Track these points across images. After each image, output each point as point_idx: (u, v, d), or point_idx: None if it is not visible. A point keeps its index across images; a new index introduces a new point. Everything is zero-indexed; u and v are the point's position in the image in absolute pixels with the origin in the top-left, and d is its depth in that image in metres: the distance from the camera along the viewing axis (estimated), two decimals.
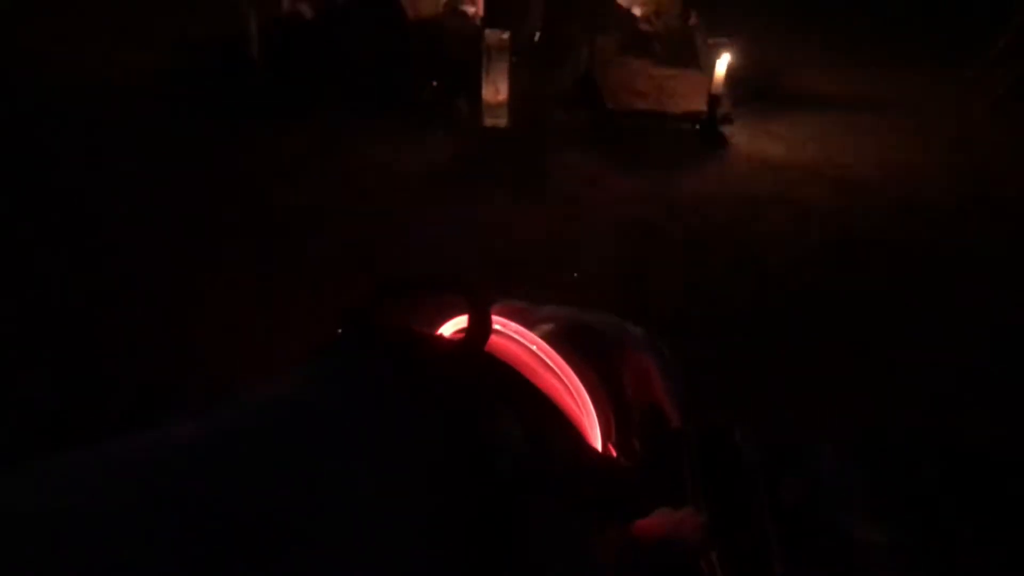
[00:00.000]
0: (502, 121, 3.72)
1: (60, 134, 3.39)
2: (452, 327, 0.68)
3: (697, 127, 3.79)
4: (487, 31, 3.71)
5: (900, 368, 2.11)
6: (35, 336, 2.10)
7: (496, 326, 0.63)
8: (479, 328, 0.59)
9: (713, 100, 3.69)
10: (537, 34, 4.27)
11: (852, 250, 2.80)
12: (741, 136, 3.78)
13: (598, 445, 0.65)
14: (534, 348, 0.65)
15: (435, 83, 3.92)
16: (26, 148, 3.31)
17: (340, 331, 0.69)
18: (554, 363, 0.65)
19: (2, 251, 2.55)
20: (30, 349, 2.04)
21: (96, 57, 4.44)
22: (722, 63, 3.64)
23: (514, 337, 0.64)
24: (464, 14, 4.51)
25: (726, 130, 3.79)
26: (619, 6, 4.50)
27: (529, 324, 0.70)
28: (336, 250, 2.63)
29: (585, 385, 0.66)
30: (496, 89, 3.68)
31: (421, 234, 2.78)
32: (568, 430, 0.61)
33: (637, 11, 4.68)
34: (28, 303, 2.26)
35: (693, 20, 4.66)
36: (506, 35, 3.68)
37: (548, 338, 0.69)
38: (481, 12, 4.51)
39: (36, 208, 2.82)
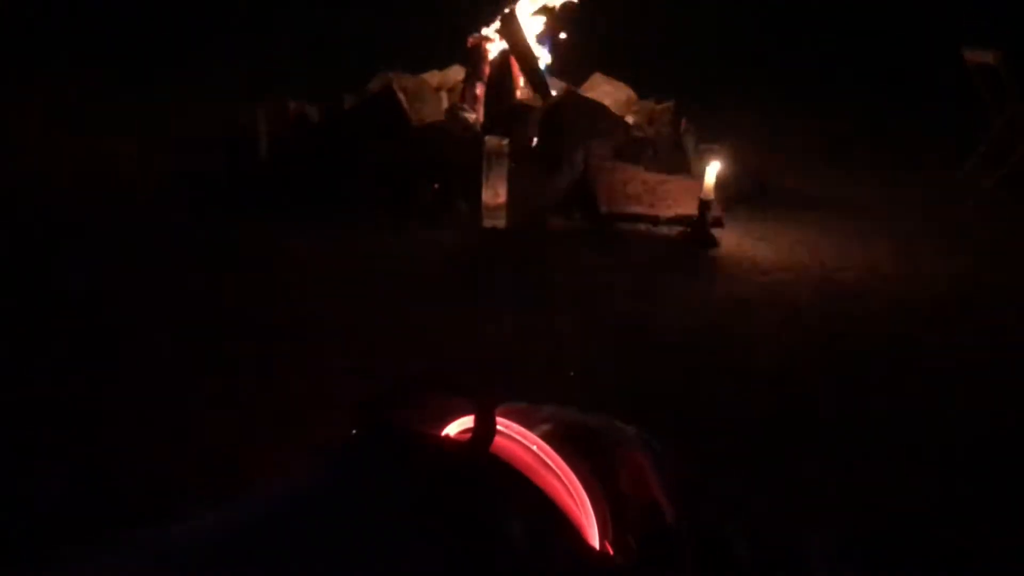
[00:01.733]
0: (501, 223, 3.83)
1: (69, 234, 3.48)
2: (458, 427, 0.73)
3: (689, 230, 3.90)
4: (487, 137, 3.87)
5: (886, 469, 2.14)
6: (44, 428, 2.12)
7: (499, 427, 0.68)
8: (484, 431, 0.64)
9: (704, 204, 3.82)
10: (534, 139, 4.44)
11: (839, 353, 2.86)
12: (732, 238, 3.90)
13: (595, 543, 0.69)
14: (535, 448, 0.70)
15: (436, 185, 4.05)
16: (29, 247, 3.40)
17: (354, 430, 0.74)
18: (554, 463, 0.70)
19: (9, 344, 2.60)
20: (38, 441, 2.06)
21: (107, 157, 4.59)
22: (712, 169, 3.78)
23: (516, 438, 0.69)
24: (465, 119, 4.70)
25: (717, 233, 3.90)
26: (612, 113, 4.69)
27: (530, 425, 0.75)
28: (339, 345, 2.67)
29: (583, 484, 0.70)
30: (495, 192, 3.81)
31: (424, 331, 2.83)
32: (567, 529, 0.65)
33: (630, 118, 4.88)
34: (33, 394, 2.29)
35: (684, 126, 4.86)
36: (505, 141, 3.84)
37: (548, 438, 0.74)
38: (481, 118, 4.70)
39: (40, 305, 2.88)
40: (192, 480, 1.85)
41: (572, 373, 2.58)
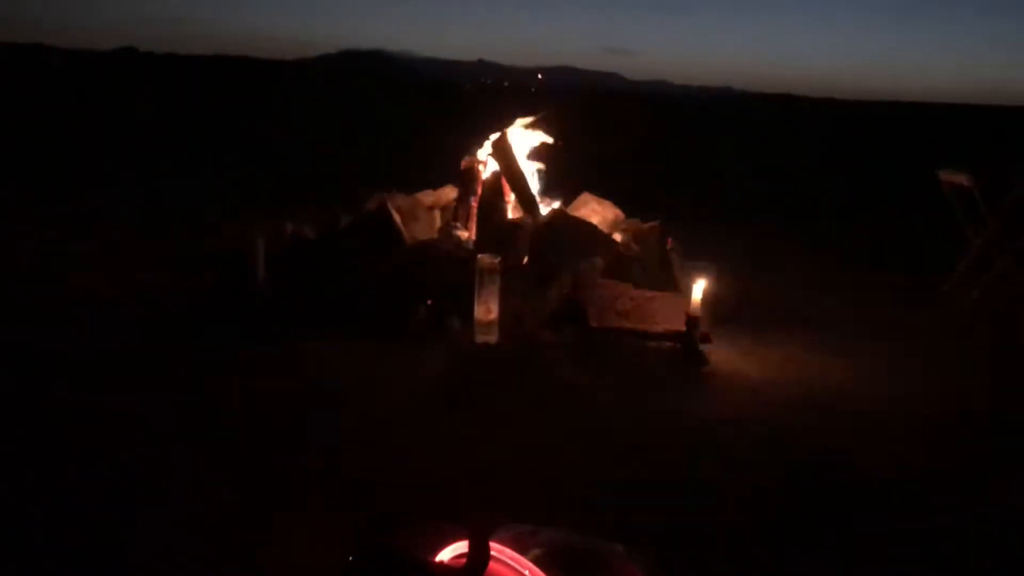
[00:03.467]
0: (493, 338, 3.89)
1: (66, 356, 3.52)
2: (453, 552, 0.77)
3: (678, 346, 3.96)
4: (480, 255, 3.97)
5: None
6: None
7: (493, 552, 0.72)
8: (478, 558, 0.68)
9: (691, 321, 3.89)
10: (526, 257, 4.55)
11: (823, 470, 2.87)
12: (720, 355, 3.96)
13: None
14: (527, 574, 0.73)
15: (430, 302, 4.13)
16: (27, 370, 3.43)
17: (351, 556, 0.78)
18: None
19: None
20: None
21: (108, 278, 4.67)
22: (699, 287, 3.88)
23: (509, 563, 0.73)
24: (458, 238, 4.84)
25: (705, 349, 3.96)
26: (601, 232, 4.83)
27: (523, 549, 0.79)
28: (332, 465, 2.68)
29: None
30: (488, 309, 3.88)
31: (418, 450, 2.84)
32: None
33: (618, 236, 5.02)
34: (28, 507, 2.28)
35: (670, 245, 4.99)
36: (497, 259, 3.94)
37: (540, 562, 0.78)
38: (473, 236, 4.83)
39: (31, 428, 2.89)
40: None
41: (567, 491, 2.59)
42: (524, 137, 5.15)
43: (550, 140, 5.22)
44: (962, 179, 5.08)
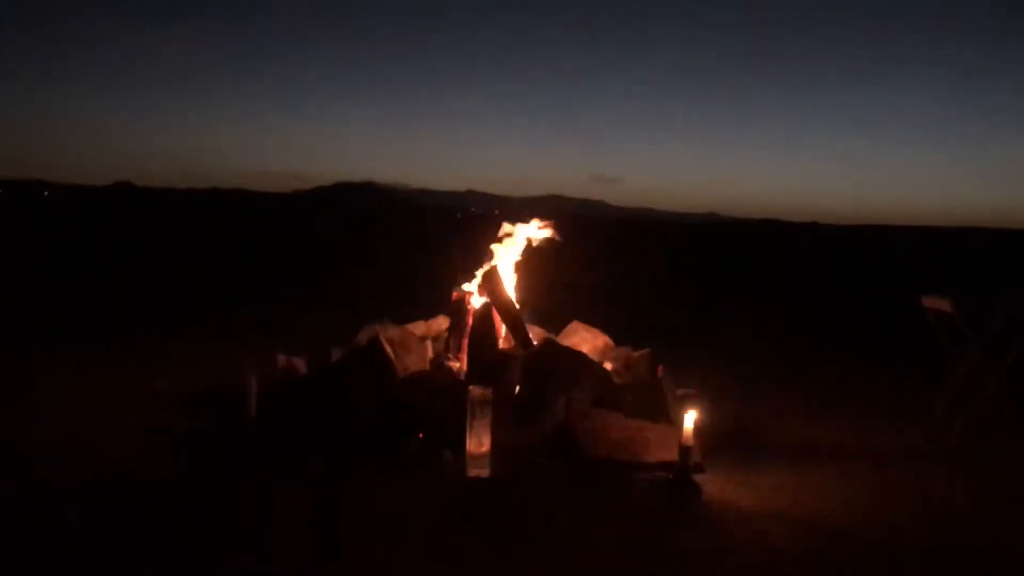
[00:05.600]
0: (485, 471, 3.86)
1: (57, 507, 3.46)
2: None
3: (671, 476, 3.93)
4: (471, 387, 3.98)
5: None
6: None
7: None
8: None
9: (684, 451, 3.88)
10: (516, 387, 4.57)
11: None
12: (714, 485, 3.92)
13: None
14: None
15: (421, 435, 4.11)
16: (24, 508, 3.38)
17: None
18: None
19: None
20: None
21: (97, 419, 4.64)
22: (690, 417, 3.89)
23: None
24: (449, 369, 4.86)
25: (699, 478, 3.93)
26: (591, 361, 4.87)
27: None
28: None
29: None
30: (479, 441, 3.87)
31: None
32: None
33: (608, 365, 5.06)
34: None
35: (661, 373, 5.02)
36: (489, 391, 3.95)
37: None
38: (465, 367, 4.86)
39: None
40: None
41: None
42: (521, 236, 5.29)
43: (548, 234, 5.35)
44: (944, 304, 5.17)
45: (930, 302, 5.34)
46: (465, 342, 4.98)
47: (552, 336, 5.26)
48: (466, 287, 5.21)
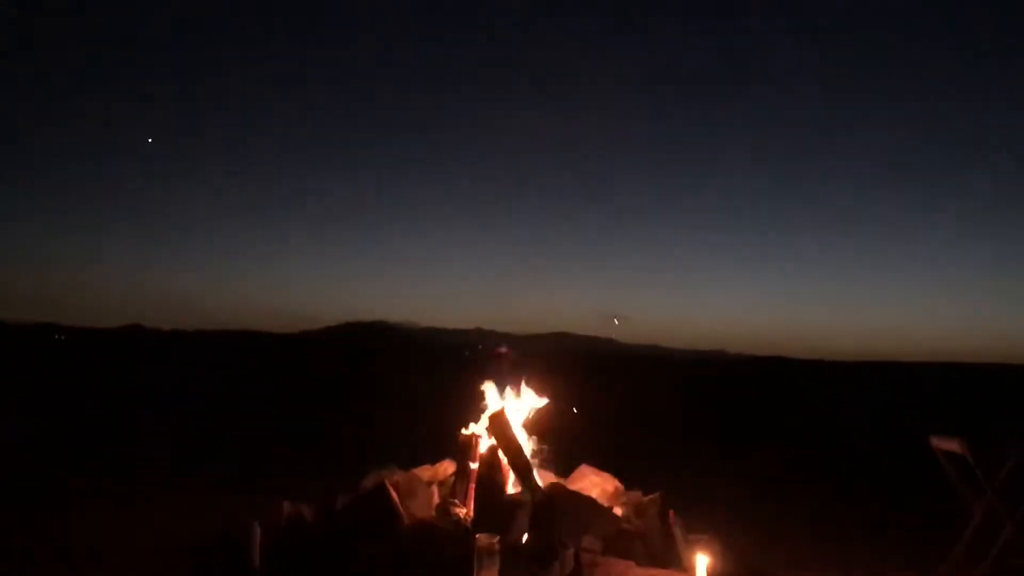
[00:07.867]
0: None
1: None
2: None
3: None
4: (478, 535, 3.91)
5: None
6: None
7: None
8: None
9: None
10: (524, 534, 4.48)
11: None
12: None
13: None
14: None
15: None
16: None
17: None
18: None
19: None
20: None
21: (96, 570, 4.56)
22: (702, 562, 3.80)
23: None
24: (456, 515, 4.77)
25: None
26: (601, 506, 4.79)
27: None
28: None
29: None
30: None
31: None
32: None
33: (618, 510, 4.96)
34: None
35: (672, 518, 4.92)
36: (496, 538, 3.88)
37: None
38: (471, 514, 4.77)
39: None
40: None
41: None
42: (525, 403, 5.27)
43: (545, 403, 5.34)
44: (954, 445, 5.11)
45: (939, 443, 5.28)
46: (471, 487, 4.91)
47: (561, 480, 5.19)
48: (472, 428, 5.19)
